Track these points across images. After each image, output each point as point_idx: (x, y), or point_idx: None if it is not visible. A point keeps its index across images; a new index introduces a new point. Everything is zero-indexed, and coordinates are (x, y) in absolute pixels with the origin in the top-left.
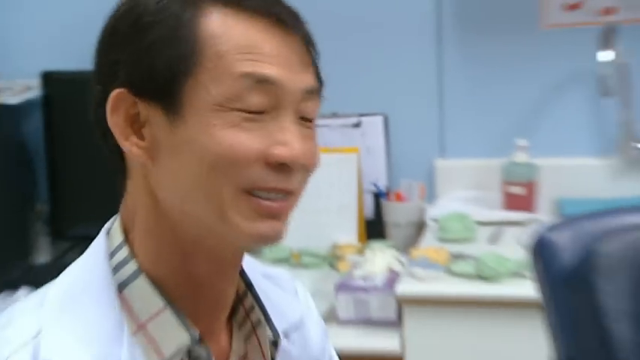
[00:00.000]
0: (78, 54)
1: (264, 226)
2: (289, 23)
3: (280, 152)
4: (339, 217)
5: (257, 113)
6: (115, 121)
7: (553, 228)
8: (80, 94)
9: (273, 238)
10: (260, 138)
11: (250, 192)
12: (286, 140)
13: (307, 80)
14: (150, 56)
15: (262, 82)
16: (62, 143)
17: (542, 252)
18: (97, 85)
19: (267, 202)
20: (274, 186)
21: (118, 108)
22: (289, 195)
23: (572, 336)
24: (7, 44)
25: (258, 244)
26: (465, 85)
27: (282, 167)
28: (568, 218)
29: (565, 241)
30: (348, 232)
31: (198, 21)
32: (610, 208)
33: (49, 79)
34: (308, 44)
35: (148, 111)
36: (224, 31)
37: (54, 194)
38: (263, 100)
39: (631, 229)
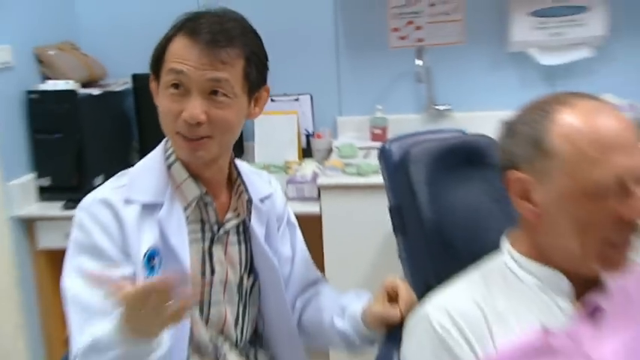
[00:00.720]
0: None
1: (188, 154)
2: (212, 43)
3: (183, 115)
4: (288, 146)
5: (179, 91)
6: (152, 86)
7: (388, 141)
8: None
9: (196, 160)
10: (179, 106)
11: (180, 134)
12: (187, 108)
13: (212, 74)
14: (151, 59)
15: (178, 73)
16: (144, 111)
17: (383, 153)
18: None
19: (187, 141)
20: (187, 132)
21: (151, 82)
22: (204, 137)
23: (398, 194)
24: (113, 58)
25: (190, 162)
26: (352, 76)
27: (187, 121)
28: (396, 137)
29: (394, 147)
30: (293, 154)
31: (170, 41)
32: (415, 132)
33: (136, 77)
34: (226, 57)
35: (155, 82)
36: (173, 46)
37: (141, 137)
38: (181, 83)
39: (425, 141)
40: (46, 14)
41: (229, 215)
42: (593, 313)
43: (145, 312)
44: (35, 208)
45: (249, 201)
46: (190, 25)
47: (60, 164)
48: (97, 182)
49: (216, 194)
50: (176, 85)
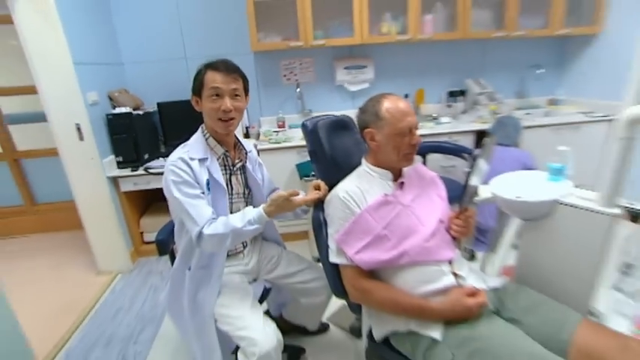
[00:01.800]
0: (169, 95)
1: (224, 129)
2: (227, 71)
3: (221, 108)
4: (237, 134)
5: (217, 97)
6: (194, 101)
7: (305, 121)
8: (170, 108)
9: (227, 131)
10: (218, 105)
11: (220, 119)
12: (223, 104)
13: (232, 85)
14: (195, 84)
15: (217, 88)
16: (165, 121)
17: (304, 126)
18: (193, 94)
19: (224, 122)
20: (223, 117)
21: (193, 100)
22: (232, 119)
23: (313, 144)
24: (146, 95)
25: (224, 132)
26: (265, 98)
27: (225, 111)
28: (309, 118)
29: (309, 123)
30: (240, 138)
31: (204, 76)
32: (317, 116)
33: (159, 104)
34: (235, 77)
35: (197, 98)
36: (207, 77)
37: (164, 135)
38: (219, 93)
39: (322, 119)
40: (112, 75)
41: (237, 161)
42: (401, 186)
43: (284, 207)
44: (117, 172)
45: (246, 153)
46: (213, 65)
47: (126, 150)
48: (145, 157)
49: (230, 151)
50: (216, 95)
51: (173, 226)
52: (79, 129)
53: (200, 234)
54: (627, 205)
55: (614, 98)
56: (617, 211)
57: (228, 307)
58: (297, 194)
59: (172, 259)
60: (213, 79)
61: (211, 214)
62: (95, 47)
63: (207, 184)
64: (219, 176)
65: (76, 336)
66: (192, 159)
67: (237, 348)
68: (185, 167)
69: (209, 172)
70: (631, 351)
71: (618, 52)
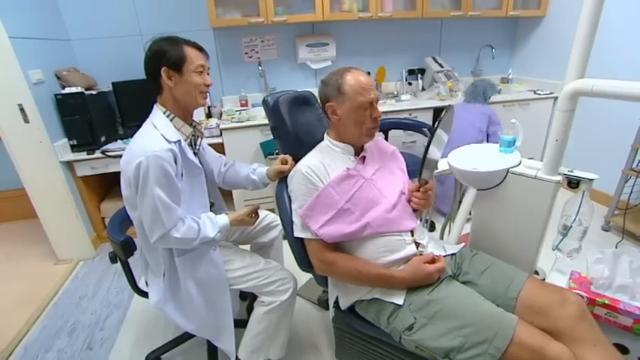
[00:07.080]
0: (125, 74)
1: (204, 101)
2: (202, 51)
3: (205, 82)
4: (200, 113)
5: (200, 72)
6: (165, 75)
7: (266, 96)
8: (126, 88)
9: (204, 103)
10: (202, 79)
11: (202, 92)
12: (206, 79)
13: (207, 64)
14: (173, 58)
15: (203, 66)
16: (121, 101)
17: (265, 102)
18: (153, 65)
19: (204, 94)
20: (206, 90)
21: (165, 71)
22: (208, 92)
23: (275, 120)
24: (99, 74)
25: (202, 104)
26: (227, 76)
27: (208, 85)
28: (270, 93)
29: (270, 98)
30: (202, 117)
31: (183, 49)
32: (279, 91)
33: (115, 84)
34: (207, 55)
35: (172, 72)
36: (189, 53)
37: (120, 115)
38: (202, 69)
39: (283, 95)
40: (59, 52)
41: (198, 139)
42: (362, 160)
43: (244, 220)
44: (71, 156)
45: (202, 132)
46: (189, 43)
47: (80, 132)
48: (102, 140)
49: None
50: (201, 71)
51: (122, 219)
52: (22, 110)
53: (165, 235)
54: (567, 173)
55: (559, 77)
56: (558, 178)
57: (247, 267)
58: (258, 209)
59: (128, 245)
60: (198, 55)
61: (179, 214)
62: (34, 20)
63: (181, 166)
64: (192, 156)
65: (36, 327)
66: (169, 142)
67: (253, 301)
68: (172, 161)
69: (183, 153)
70: (567, 301)
71: (561, 34)
